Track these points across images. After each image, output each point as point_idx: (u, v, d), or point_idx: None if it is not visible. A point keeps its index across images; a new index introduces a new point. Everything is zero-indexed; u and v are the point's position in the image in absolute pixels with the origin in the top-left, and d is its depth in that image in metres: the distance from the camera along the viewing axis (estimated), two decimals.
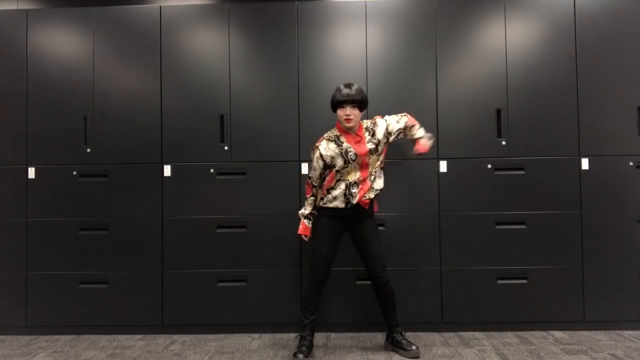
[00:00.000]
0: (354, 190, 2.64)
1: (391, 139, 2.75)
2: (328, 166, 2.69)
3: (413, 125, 2.79)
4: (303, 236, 2.78)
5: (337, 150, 2.66)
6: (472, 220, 3.11)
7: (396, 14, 3.17)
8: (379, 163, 2.73)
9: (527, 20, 3.15)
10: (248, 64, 3.20)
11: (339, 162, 2.66)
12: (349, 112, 2.63)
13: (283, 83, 3.18)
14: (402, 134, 2.79)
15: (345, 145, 2.67)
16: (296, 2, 3.20)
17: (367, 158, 2.67)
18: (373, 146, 2.68)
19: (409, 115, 2.81)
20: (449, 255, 3.12)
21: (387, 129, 2.73)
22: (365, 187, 2.66)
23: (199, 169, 3.17)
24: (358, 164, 2.66)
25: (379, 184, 2.75)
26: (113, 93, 3.21)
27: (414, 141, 2.81)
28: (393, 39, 3.17)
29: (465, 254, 3.11)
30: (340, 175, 2.67)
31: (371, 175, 2.69)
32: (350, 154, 2.65)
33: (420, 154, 2.80)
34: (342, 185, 2.66)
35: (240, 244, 3.15)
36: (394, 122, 2.75)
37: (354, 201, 2.63)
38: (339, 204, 2.65)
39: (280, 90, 3.18)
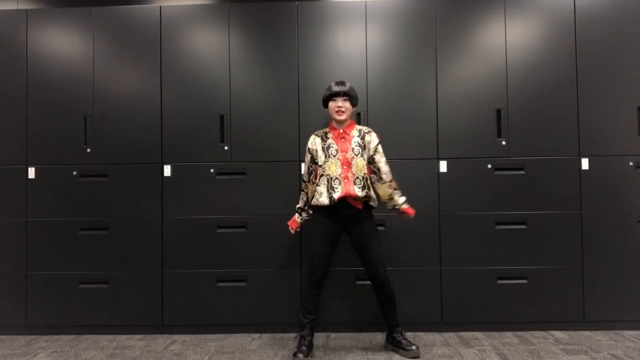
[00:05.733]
0: (336, 185, 2.65)
1: (367, 155, 2.74)
2: (315, 161, 2.76)
3: (393, 189, 2.76)
4: (289, 227, 2.85)
5: (320, 145, 2.74)
6: (472, 220, 3.11)
7: (396, 14, 3.17)
8: (365, 172, 2.70)
9: (527, 20, 3.15)
10: (248, 64, 3.20)
11: (321, 157, 2.71)
12: (341, 104, 2.70)
13: (283, 83, 3.18)
14: (375, 176, 2.77)
15: (329, 141, 2.74)
16: (296, 2, 3.20)
17: (349, 156, 2.68)
18: (358, 147, 2.70)
19: (394, 179, 2.80)
20: (449, 255, 3.12)
21: (375, 146, 2.75)
22: (348, 186, 2.65)
23: (199, 169, 3.17)
24: (338, 159, 2.68)
25: (374, 202, 2.75)
26: (113, 93, 3.21)
27: (398, 210, 2.78)
28: (393, 39, 3.17)
29: (465, 254, 3.11)
30: (322, 170, 2.71)
31: (357, 178, 2.66)
32: (331, 149, 2.71)
33: (410, 216, 2.78)
34: (325, 180, 2.68)
35: (240, 244, 3.15)
36: (381, 156, 2.76)
37: (335, 196, 2.63)
38: (325, 199, 2.66)
39: (280, 90, 3.18)
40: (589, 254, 3.09)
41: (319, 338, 3.02)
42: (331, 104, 2.73)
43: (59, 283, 3.17)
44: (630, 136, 3.11)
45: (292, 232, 2.86)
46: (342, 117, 2.71)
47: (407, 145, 3.13)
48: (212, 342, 3.00)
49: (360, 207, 2.70)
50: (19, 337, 3.17)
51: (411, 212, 2.78)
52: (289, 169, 3.16)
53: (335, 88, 2.73)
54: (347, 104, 2.72)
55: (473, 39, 3.16)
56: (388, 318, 2.77)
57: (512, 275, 3.10)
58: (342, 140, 2.73)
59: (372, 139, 2.77)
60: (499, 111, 3.13)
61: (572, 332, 3.07)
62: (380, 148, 2.78)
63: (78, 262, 3.17)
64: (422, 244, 3.12)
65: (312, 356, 2.71)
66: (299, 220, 2.84)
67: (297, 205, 2.87)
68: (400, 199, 2.78)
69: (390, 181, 2.77)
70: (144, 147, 3.19)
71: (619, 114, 3.12)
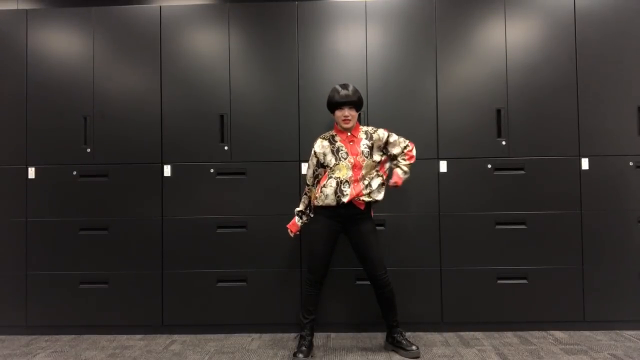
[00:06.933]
0: (345, 188, 2.65)
1: (381, 150, 2.74)
2: (322, 165, 2.74)
3: (409, 157, 2.75)
4: (288, 230, 2.84)
5: (329, 148, 2.73)
6: (472, 220, 3.12)
7: (396, 14, 3.17)
8: (375, 172, 2.72)
9: (527, 20, 3.15)
10: (248, 64, 3.20)
11: (331, 160, 2.70)
12: (347, 113, 2.69)
13: (283, 83, 3.18)
14: (392, 160, 2.77)
15: (338, 144, 2.73)
16: (296, 2, 3.20)
17: (360, 159, 2.68)
18: (367, 149, 2.70)
19: (412, 146, 2.78)
20: (449, 255, 3.12)
21: (386, 138, 2.74)
22: (358, 189, 2.66)
23: (199, 169, 3.17)
24: (350, 162, 2.67)
25: (378, 195, 2.72)
26: (113, 93, 3.21)
27: (391, 171, 2.77)
28: (393, 39, 3.17)
29: (465, 254, 3.11)
30: (332, 172, 2.69)
31: (365, 179, 2.68)
32: (341, 152, 2.70)
33: (394, 186, 2.73)
34: (333, 183, 2.67)
35: (240, 244, 3.15)
36: (396, 140, 2.75)
37: (345, 200, 2.63)
38: (331, 202, 2.66)
39: (280, 90, 3.18)
40: (589, 254, 3.09)
41: (319, 338, 3.02)
42: (337, 113, 2.73)
43: (59, 283, 3.17)
44: (630, 136, 3.11)
45: (292, 235, 2.85)
46: (349, 126, 2.71)
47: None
48: (212, 342, 3.01)
49: (362, 207, 2.70)
50: (19, 337, 3.17)
51: (399, 181, 2.71)
52: (289, 169, 3.15)
53: (343, 93, 2.69)
54: (353, 112, 2.72)
55: (473, 39, 3.16)
56: (388, 318, 2.77)
57: (512, 275, 3.10)
58: (351, 143, 2.73)
59: (380, 135, 2.75)
60: (499, 111, 3.13)
61: (572, 332, 3.07)
62: (393, 137, 2.75)
63: (78, 262, 3.17)
64: (422, 244, 3.12)
65: (312, 356, 2.71)
66: (299, 223, 2.83)
67: (298, 209, 2.84)
68: (405, 166, 2.73)
69: (406, 147, 2.75)
70: (144, 147, 3.19)
71: (619, 114, 3.12)
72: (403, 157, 2.75)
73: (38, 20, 3.24)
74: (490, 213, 3.11)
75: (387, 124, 3.10)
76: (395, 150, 2.74)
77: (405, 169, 2.74)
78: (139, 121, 3.20)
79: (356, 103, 2.72)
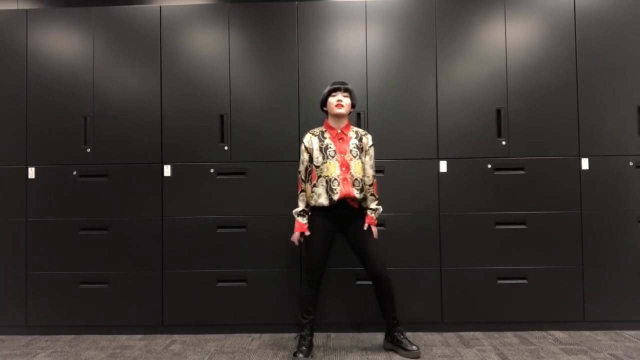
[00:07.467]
0: (335, 186, 2.64)
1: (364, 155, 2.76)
2: (312, 160, 2.74)
3: (370, 194, 2.74)
4: (299, 235, 2.74)
5: (318, 145, 2.72)
6: (472, 220, 3.11)
7: (396, 14, 3.17)
8: (362, 175, 2.70)
9: (527, 20, 3.15)
10: (248, 64, 3.20)
11: (318, 158, 2.69)
12: (341, 98, 2.70)
13: (283, 83, 3.18)
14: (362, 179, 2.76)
15: (327, 141, 2.72)
16: (296, 2, 3.20)
17: (347, 158, 2.68)
18: (355, 149, 2.70)
19: (375, 184, 2.78)
20: (449, 255, 3.12)
21: (368, 147, 2.76)
22: (347, 187, 2.65)
23: (199, 169, 3.17)
24: (337, 161, 2.67)
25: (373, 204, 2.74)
26: (113, 93, 3.21)
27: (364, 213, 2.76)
28: (393, 39, 3.17)
29: (465, 254, 3.11)
30: (320, 171, 2.68)
31: (356, 180, 2.66)
32: (329, 150, 2.69)
33: (370, 225, 2.73)
34: (324, 182, 2.67)
35: (240, 244, 3.15)
36: (370, 159, 2.76)
37: (335, 197, 2.63)
38: (324, 201, 2.65)
39: (280, 90, 3.18)
40: (589, 254, 3.09)
41: (319, 338, 3.02)
42: (331, 99, 2.73)
43: (59, 283, 3.17)
44: (630, 136, 3.11)
45: (297, 243, 2.76)
46: (342, 111, 2.70)
47: (407, 145, 3.13)
48: (212, 342, 3.01)
49: (356, 206, 2.70)
50: (19, 337, 3.17)
51: (372, 222, 2.73)
52: (289, 169, 3.15)
53: (336, 82, 2.76)
54: (347, 100, 2.73)
55: (473, 39, 3.16)
56: (388, 316, 2.76)
57: (512, 275, 3.10)
58: (340, 141, 2.72)
59: (369, 140, 2.78)
60: (499, 111, 3.13)
61: (572, 332, 3.07)
62: (372, 151, 2.78)
63: (78, 262, 3.17)
64: (422, 244, 3.12)
65: (312, 356, 2.71)
66: (304, 222, 2.74)
67: (299, 209, 2.75)
68: (372, 204, 2.74)
69: (371, 185, 2.75)
70: (144, 147, 3.19)
71: (619, 114, 3.12)
72: (371, 194, 2.73)
73: (38, 20, 3.24)
74: (490, 213, 3.11)
75: (387, 124, 3.11)
76: (366, 162, 2.73)
77: (375, 207, 2.74)
78: (139, 121, 3.20)
79: (350, 92, 2.74)
